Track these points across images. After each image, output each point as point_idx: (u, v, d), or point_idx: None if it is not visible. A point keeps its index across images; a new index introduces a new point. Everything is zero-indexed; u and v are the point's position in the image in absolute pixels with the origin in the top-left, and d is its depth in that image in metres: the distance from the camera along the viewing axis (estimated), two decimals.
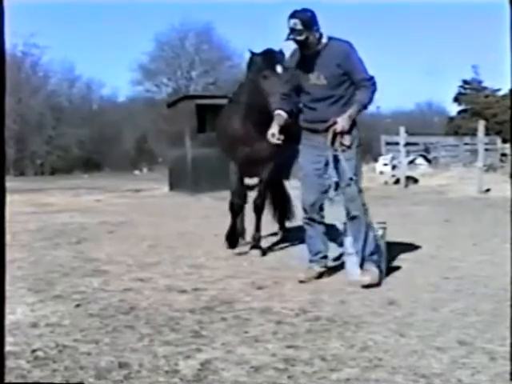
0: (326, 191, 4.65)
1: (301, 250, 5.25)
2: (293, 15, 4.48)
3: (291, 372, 2.79)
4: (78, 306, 4.04)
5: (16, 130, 42.59)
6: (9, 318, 3.47)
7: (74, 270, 5.37)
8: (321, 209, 4.81)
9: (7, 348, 2.85)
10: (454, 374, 2.73)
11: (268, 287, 4.56)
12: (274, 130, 4.82)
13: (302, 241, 5.14)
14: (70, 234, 7.90)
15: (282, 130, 4.82)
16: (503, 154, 24.10)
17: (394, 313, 3.76)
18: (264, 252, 5.95)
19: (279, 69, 5.18)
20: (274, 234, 6.99)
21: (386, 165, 23.74)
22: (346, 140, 4.52)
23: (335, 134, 4.49)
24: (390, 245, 5.67)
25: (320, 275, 4.83)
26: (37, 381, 2.73)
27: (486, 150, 18.37)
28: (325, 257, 4.91)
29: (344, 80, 4.56)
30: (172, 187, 18.39)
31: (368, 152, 32.65)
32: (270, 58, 5.30)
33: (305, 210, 4.84)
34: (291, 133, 4.83)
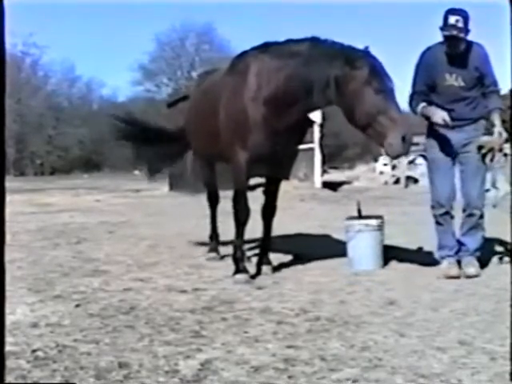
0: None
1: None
2: (455, 12, 4.56)
3: (291, 372, 2.78)
4: (77, 306, 4.04)
5: (16, 130, 42.62)
6: (9, 318, 3.47)
7: (74, 270, 5.38)
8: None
9: (7, 348, 2.84)
10: (454, 374, 2.72)
11: (268, 287, 4.56)
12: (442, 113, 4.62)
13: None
14: (69, 234, 7.90)
15: None
16: (503, 154, 24.07)
17: (393, 313, 3.76)
18: (274, 268, 5.21)
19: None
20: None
21: (385, 165, 23.67)
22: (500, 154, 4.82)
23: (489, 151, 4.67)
24: (390, 245, 5.68)
25: (451, 271, 4.81)
26: (37, 381, 2.72)
27: None
28: (455, 252, 4.92)
29: (477, 83, 4.72)
30: (172, 187, 18.39)
31: (368, 152, 32.66)
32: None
33: (439, 204, 4.86)
34: None
